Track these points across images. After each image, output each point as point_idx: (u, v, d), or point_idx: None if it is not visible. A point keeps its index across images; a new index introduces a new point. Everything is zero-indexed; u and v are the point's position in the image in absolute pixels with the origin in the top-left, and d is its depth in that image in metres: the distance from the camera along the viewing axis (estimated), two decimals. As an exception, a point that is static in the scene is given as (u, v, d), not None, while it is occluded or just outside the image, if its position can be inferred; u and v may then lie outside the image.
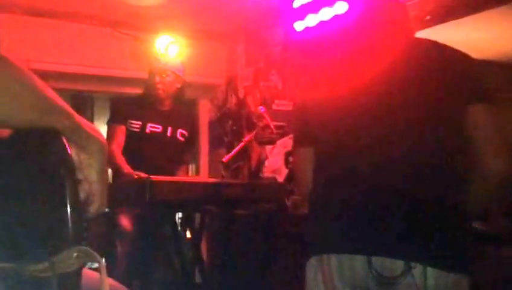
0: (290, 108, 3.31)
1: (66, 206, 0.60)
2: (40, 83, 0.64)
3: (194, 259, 2.74)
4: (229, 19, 3.63)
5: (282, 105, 3.38)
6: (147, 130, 2.77)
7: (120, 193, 2.30)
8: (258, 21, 3.60)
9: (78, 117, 0.68)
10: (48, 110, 0.64)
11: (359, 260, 1.10)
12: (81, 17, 3.51)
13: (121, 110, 2.80)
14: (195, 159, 4.31)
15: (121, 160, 2.56)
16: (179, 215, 3.39)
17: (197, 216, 2.95)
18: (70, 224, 0.60)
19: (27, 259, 0.60)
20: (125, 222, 2.67)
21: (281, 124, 3.19)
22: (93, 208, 0.69)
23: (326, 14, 2.71)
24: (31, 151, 0.64)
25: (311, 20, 2.80)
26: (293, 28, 2.90)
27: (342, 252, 1.13)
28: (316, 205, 1.26)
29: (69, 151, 0.64)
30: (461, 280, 1.08)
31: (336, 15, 2.64)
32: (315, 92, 1.31)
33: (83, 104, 4.64)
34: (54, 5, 3.34)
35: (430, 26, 2.24)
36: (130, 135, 2.73)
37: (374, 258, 1.08)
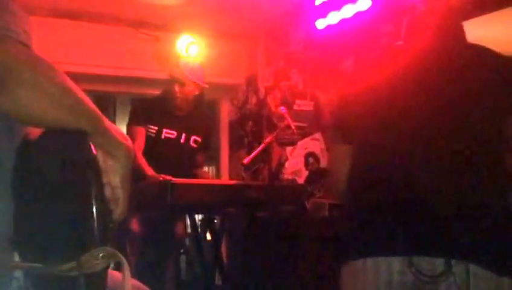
0: (311, 108, 3.26)
1: (92, 208, 0.62)
2: (72, 84, 0.66)
3: (214, 261, 2.72)
4: (249, 18, 3.61)
5: (303, 105, 3.33)
6: (162, 136, 2.81)
7: (139, 195, 2.30)
8: (278, 20, 3.57)
9: (107, 121, 0.69)
10: (78, 111, 0.65)
11: (396, 262, 1.07)
12: (102, 18, 3.55)
13: (140, 113, 2.84)
14: (216, 161, 4.30)
15: (143, 162, 2.57)
16: (199, 217, 3.38)
17: (217, 218, 2.94)
18: (96, 225, 0.62)
19: (55, 259, 0.61)
20: (134, 224, 2.69)
21: (302, 124, 3.14)
22: (115, 214, 0.70)
23: (348, 11, 2.66)
24: (59, 153, 0.65)
25: (333, 18, 2.76)
26: (315, 26, 2.86)
27: (378, 255, 1.10)
28: (352, 208, 1.24)
29: (96, 154, 0.66)
30: (506, 282, 1.03)
31: (358, 12, 2.59)
32: (355, 91, 1.29)
33: (106, 105, 4.70)
34: (75, 7, 3.38)
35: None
36: (147, 139, 2.76)
37: (412, 258, 1.05)
